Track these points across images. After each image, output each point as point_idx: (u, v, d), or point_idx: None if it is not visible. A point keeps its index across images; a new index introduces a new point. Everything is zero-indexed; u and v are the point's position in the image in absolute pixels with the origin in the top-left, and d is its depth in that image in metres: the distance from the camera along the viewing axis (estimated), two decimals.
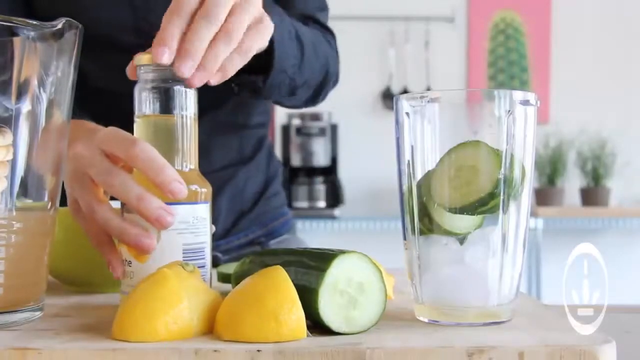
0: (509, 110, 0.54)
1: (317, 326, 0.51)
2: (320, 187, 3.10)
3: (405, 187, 0.56)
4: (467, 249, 0.54)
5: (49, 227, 0.59)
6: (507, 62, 3.37)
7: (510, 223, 0.54)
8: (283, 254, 0.59)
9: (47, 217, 0.58)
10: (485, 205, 0.53)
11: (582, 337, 0.50)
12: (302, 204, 3.04)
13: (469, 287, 0.54)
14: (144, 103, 0.60)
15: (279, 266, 0.52)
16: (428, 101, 0.55)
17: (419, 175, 0.55)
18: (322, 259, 0.52)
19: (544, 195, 3.17)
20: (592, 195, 3.15)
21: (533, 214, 3.02)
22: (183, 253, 0.58)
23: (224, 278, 0.71)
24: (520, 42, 3.37)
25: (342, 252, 0.52)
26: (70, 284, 0.73)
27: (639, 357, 0.64)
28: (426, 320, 0.56)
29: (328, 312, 0.50)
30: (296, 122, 3.19)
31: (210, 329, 0.51)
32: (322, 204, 3.07)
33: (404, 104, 0.56)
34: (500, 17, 3.37)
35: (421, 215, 0.55)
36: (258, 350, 0.47)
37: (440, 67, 3.33)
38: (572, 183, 3.22)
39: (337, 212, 3.04)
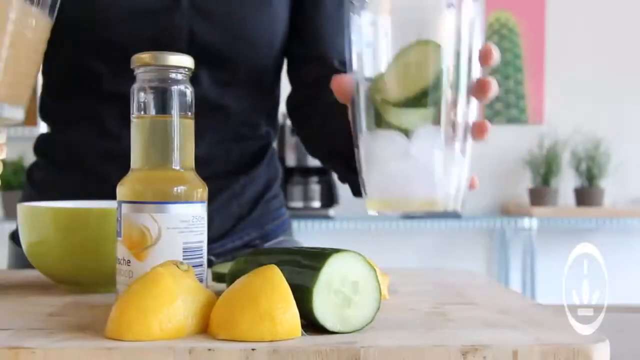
0: (451, 4, 0.55)
1: (311, 325, 0.51)
2: (315, 187, 3.09)
3: (355, 85, 0.58)
4: (414, 143, 0.55)
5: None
6: (502, 62, 3.37)
7: (454, 116, 0.55)
8: (277, 254, 0.60)
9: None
10: (428, 97, 0.54)
11: (575, 336, 0.50)
12: (297, 203, 3.04)
13: (415, 180, 0.56)
14: (141, 103, 0.60)
15: (273, 265, 0.52)
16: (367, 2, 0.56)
17: (368, 73, 0.57)
18: (316, 258, 0.52)
19: (539, 195, 3.17)
20: (586, 196, 3.15)
21: (527, 213, 3.03)
22: (183, 252, 0.59)
23: (218, 277, 0.71)
24: (515, 43, 3.37)
25: (337, 251, 0.52)
26: (65, 283, 0.73)
27: (632, 356, 0.64)
28: (375, 213, 0.57)
29: (322, 311, 0.50)
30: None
31: (204, 328, 0.51)
32: (317, 204, 3.07)
33: (349, 6, 0.57)
34: (495, 17, 3.38)
35: (370, 112, 0.57)
36: (252, 349, 0.47)
37: None
38: (567, 183, 3.23)
39: (332, 212, 3.03)
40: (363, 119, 0.57)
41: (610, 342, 0.50)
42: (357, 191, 0.82)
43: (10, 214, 2.87)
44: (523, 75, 3.36)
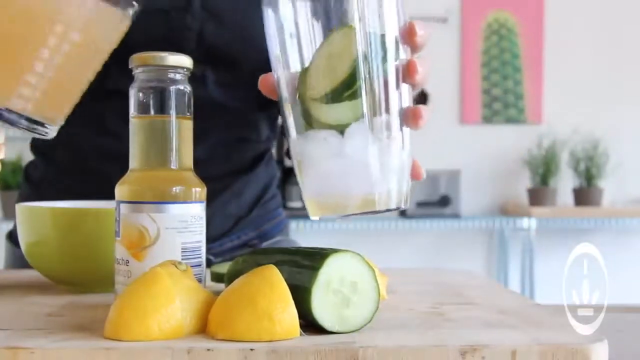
0: None
1: (310, 325, 0.51)
2: None
3: (277, 85, 0.55)
4: (347, 140, 0.52)
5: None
6: (501, 62, 3.37)
7: (385, 106, 0.53)
8: (276, 253, 0.59)
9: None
10: (350, 88, 0.51)
11: (574, 336, 0.50)
12: (296, 204, 3.04)
13: (352, 179, 0.53)
14: (140, 103, 0.60)
15: (272, 265, 0.52)
16: None
17: (291, 69, 0.54)
18: (315, 258, 0.52)
19: (537, 196, 3.17)
20: (585, 196, 3.16)
21: (526, 214, 3.03)
22: (181, 252, 0.59)
23: (217, 277, 0.71)
24: (514, 43, 3.37)
25: (335, 251, 0.52)
26: (63, 283, 0.73)
27: (631, 356, 0.64)
28: (316, 218, 0.55)
29: (321, 311, 0.50)
30: None
31: (203, 328, 0.51)
32: None
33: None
34: (494, 17, 3.38)
35: (297, 111, 0.54)
36: (251, 349, 0.47)
37: (433, 67, 3.32)
38: (565, 183, 3.23)
39: None
40: (292, 119, 0.54)
41: (609, 342, 0.50)
42: None
43: (9, 214, 2.87)
44: (522, 75, 3.36)
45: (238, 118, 0.98)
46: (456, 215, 3.07)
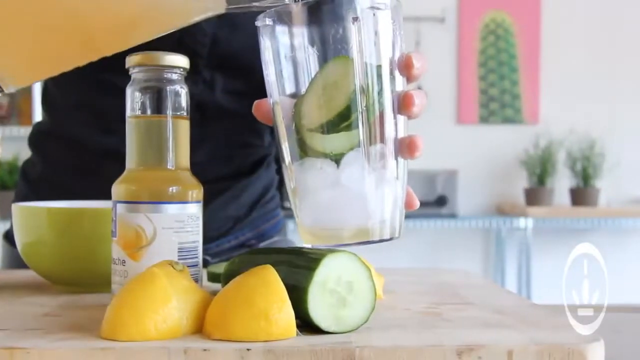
0: (356, 17, 0.51)
1: (306, 325, 0.51)
2: None
3: (273, 112, 0.55)
4: (343, 170, 0.52)
5: None
6: (497, 62, 3.38)
7: (380, 137, 0.52)
8: (273, 253, 0.59)
9: None
10: (346, 120, 0.51)
11: (570, 336, 0.50)
12: None
13: (348, 209, 0.53)
14: (137, 103, 0.60)
15: (268, 265, 0.52)
16: (274, 20, 0.53)
17: (285, 96, 0.54)
18: (311, 258, 0.52)
19: (534, 195, 3.18)
20: (581, 196, 3.16)
21: (523, 213, 3.04)
22: (178, 252, 0.59)
23: (213, 277, 0.71)
24: (510, 43, 3.38)
25: (332, 251, 0.52)
26: (60, 283, 0.73)
27: (628, 356, 0.64)
28: (309, 245, 0.55)
29: (317, 311, 0.50)
30: None
31: (199, 328, 0.51)
32: None
33: (259, 27, 0.54)
34: (491, 17, 3.38)
35: (292, 138, 0.54)
36: (248, 349, 0.47)
37: (430, 67, 3.30)
38: (562, 183, 3.24)
39: None
40: (286, 145, 0.54)
41: (605, 342, 0.50)
42: None
43: (6, 214, 2.86)
44: (518, 75, 3.37)
45: (242, 124, 0.98)
46: (453, 215, 3.07)
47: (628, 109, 3.32)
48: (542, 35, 3.36)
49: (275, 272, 0.51)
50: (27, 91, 3.03)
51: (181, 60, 0.61)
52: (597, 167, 3.18)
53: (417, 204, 0.57)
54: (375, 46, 0.52)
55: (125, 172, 0.61)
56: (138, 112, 0.60)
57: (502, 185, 3.32)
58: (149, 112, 0.60)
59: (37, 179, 1.01)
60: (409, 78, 0.55)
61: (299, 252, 0.56)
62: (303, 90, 0.53)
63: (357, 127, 0.52)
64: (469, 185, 3.25)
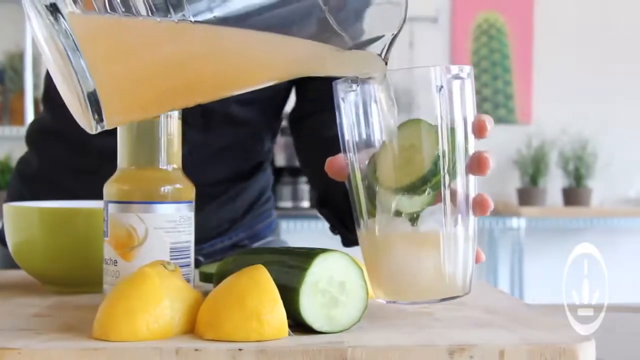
0: (441, 86, 0.54)
1: (298, 325, 0.51)
2: (304, 187, 3.09)
3: (350, 171, 0.57)
4: (419, 227, 0.54)
5: None
6: (490, 62, 3.38)
7: (456, 197, 0.54)
8: (265, 253, 0.59)
9: None
10: (427, 182, 0.53)
11: (562, 335, 0.50)
12: (286, 203, 3.04)
13: (423, 267, 0.54)
14: None
15: (260, 265, 0.52)
16: (359, 85, 0.55)
17: (362, 158, 0.55)
18: (303, 258, 0.52)
19: (527, 195, 3.18)
20: (574, 195, 3.17)
21: (515, 213, 3.04)
22: (170, 252, 0.59)
23: (205, 277, 0.71)
24: (503, 43, 3.38)
25: (323, 251, 0.52)
26: (51, 283, 0.72)
27: (619, 355, 0.64)
28: (384, 301, 0.56)
29: (309, 311, 0.50)
30: None
31: (191, 329, 0.51)
32: (306, 204, 3.06)
33: (338, 88, 0.56)
34: (484, 17, 3.38)
35: (370, 198, 0.55)
36: (239, 350, 0.47)
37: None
38: (554, 183, 3.24)
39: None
40: (363, 203, 0.56)
41: (597, 341, 0.50)
42: (347, 242, 0.82)
43: None
44: (511, 75, 3.37)
45: (246, 130, 0.98)
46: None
47: (620, 109, 3.33)
48: (535, 35, 3.36)
49: (267, 272, 0.51)
50: (20, 90, 3.02)
51: None
52: (589, 167, 3.19)
53: (484, 258, 0.60)
54: (455, 112, 0.54)
55: (117, 172, 0.61)
56: None
57: (494, 185, 3.32)
58: None
59: (33, 177, 1.00)
60: (479, 138, 0.56)
61: (290, 252, 0.56)
62: (378, 148, 0.55)
63: (437, 189, 0.53)
64: None
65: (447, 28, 3.39)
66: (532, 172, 3.21)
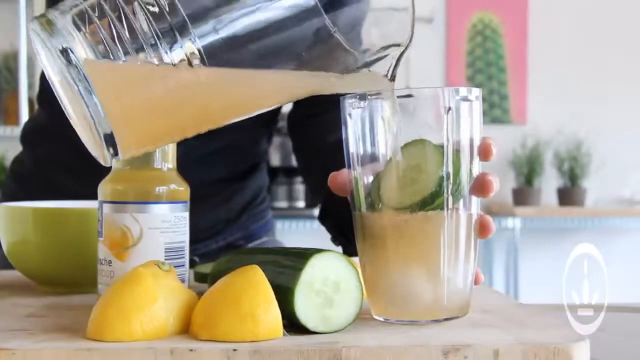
0: (449, 108, 0.53)
1: (293, 325, 0.51)
2: (300, 187, 3.09)
3: (354, 187, 0.56)
4: (420, 247, 0.54)
5: None
6: (485, 63, 3.39)
7: (459, 218, 0.54)
8: (259, 254, 0.59)
9: None
10: (430, 204, 0.53)
11: (556, 335, 0.50)
12: (282, 204, 3.04)
13: (422, 287, 0.54)
14: None
15: (255, 265, 0.52)
16: (367, 102, 0.55)
17: (366, 174, 0.55)
18: (298, 258, 0.52)
19: (521, 195, 3.19)
20: (568, 195, 3.18)
21: (510, 213, 3.05)
22: (164, 252, 0.59)
23: (200, 278, 0.71)
24: (498, 43, 3.39)
25: (318, 251, 0.52)
26: (45, 284, 0.72)
27: (613, 355, 0.64)
28: (381, 319, 0.56)
29: (304, 311, 0.50)
30: None
31: (186, 329, 0.51)
32: (301, 204, 3.07)
33: (346, 104, 0.56)
34: (478, 18, 3.39)
35: (372, 210, 0.55)
36: (234, 350, 0.47)
37: (419, 67, 3.34)
38: (549, 183, 3.25)
39: (316, 212, 3.03)
40: (364, 216, 0.55)
41: (591, 341, 0.50)
42: (348, 253, 0.82)
43: None
44: (506, 75, 3.38)
45: (244, 133, 0.98)
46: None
47: (615, 109, 3.34)
48: (530, 35, 3.37)
49: (262, 273, 0.51)
50: (14, 90, 3.02)
51: None
52: (584, 167, 3.19)
53: (483, 279, 0.60)
54: (462, 134, 0.54)
55: (111, 172, 0.61)
56: None
57: None
58: None
59: (27, 176, 1.00)
60: (483, 160, 0.57)
61: (285, 252, 0.56)
62: (383, 166, 0.55)
63: (440, 209, 0.53)
64: None
65: (442, 28, 3.39)
66: (527, 172, 3.21)
